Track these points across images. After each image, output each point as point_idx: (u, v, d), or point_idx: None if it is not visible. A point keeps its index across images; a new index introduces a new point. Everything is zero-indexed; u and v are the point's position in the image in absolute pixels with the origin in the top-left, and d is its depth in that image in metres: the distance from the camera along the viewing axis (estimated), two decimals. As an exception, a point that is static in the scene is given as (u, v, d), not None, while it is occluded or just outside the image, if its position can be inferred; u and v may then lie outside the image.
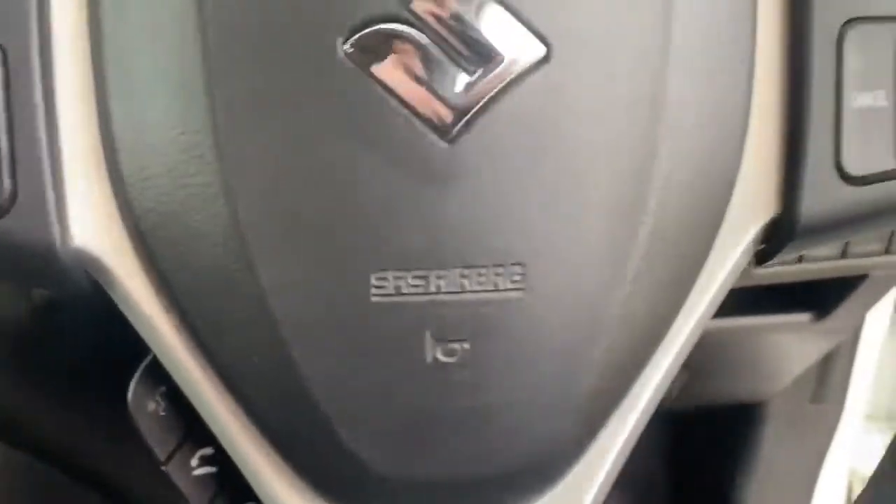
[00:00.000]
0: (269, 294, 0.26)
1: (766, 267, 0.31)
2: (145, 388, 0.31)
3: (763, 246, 0.31)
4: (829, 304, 0.63)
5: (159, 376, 0.31)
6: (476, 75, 0.25)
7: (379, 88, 0.25)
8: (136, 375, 0.31)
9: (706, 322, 0.31)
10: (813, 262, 0.56)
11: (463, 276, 0.26)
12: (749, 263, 0.31)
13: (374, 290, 0.26)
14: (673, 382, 0.75)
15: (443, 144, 0.25)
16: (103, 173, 0.27)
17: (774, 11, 0.29)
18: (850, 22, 0.28)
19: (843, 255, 0.56)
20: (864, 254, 0.56)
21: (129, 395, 0.31)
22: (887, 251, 0.55)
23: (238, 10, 0.25)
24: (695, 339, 0.31)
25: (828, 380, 0.77)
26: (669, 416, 0.87)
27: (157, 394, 0.32)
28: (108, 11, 0.26)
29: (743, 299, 0.61)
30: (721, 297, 0.31)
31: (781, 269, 0.56)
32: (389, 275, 0.26)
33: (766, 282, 0.58)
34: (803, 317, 0.64)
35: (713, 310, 0.31)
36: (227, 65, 0.25)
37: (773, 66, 0.29)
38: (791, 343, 0.69)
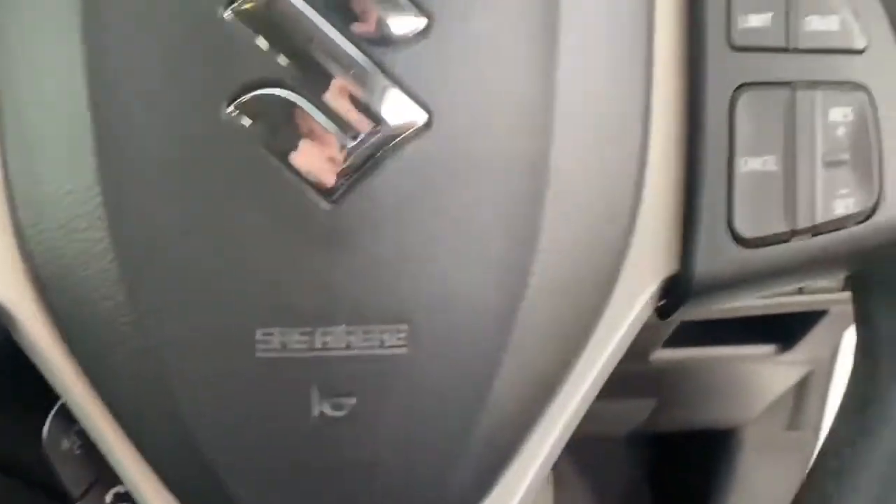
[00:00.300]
0: (158, 348, 0.27)
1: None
2: (60, 427, 0.32)
3: (663, 302, 0.31)
4: (792, 337, 0.64)
5: (73, 415, 0.32)
6: (359, 139, 0.26)
7: (263, 151, 0.26)
8: (51, 414, 0.32)
9: (608, 372, 0.31)
10: (772, 296, 0.57)
11: (349, 333, 0.27)
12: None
13: (259, 346, 0.26)
14: (638, 410, 0.76)
15: (327, 206, 0.26)
16: (7, 221, 0.27)
17: (671, 73, 0.29)
18: (742, 87, 0.29)
19: (801, 290, 0.57)
20: (822, 290, 0.57)
21: (45, 433, 0.32)
22: (844, 288, 0.56)
23: (125, 71, 0.26)
24: (597, 389, 0.31)
25: (803, 407, 0.77)
26: (648, 440, 0.88)
27: (71, 432, 0.32)
28: (5, 64, 0.26)
29: (709, 329, 0.61)
30: (622, 351, 0.31)
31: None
32: (275, 331, 0.26)
33: (727, 315, 0.59)
34: (767, 349, 0.64)
35: (614, 362, 0.31)
36: (116, 125, 0.26)
37: (671, 127, 0.29)
38: (760, 372, 0.70)
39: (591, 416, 0.75)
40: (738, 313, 0.59)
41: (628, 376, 0.68)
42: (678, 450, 0.86)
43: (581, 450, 0.91)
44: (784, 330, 0.63)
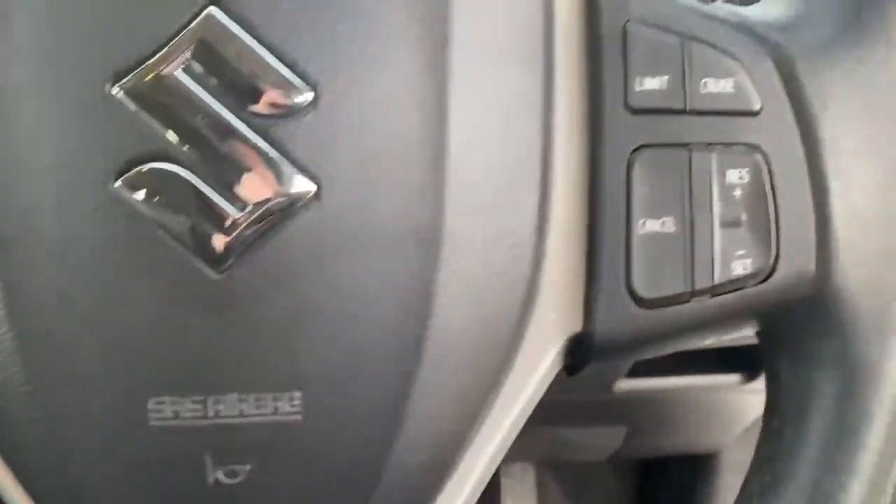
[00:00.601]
0: (53, 418, 0.27)
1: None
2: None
3: (570, 360, 0.31)
4: (758, 366, 0.63)
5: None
6: (247, 211, 0.26)
7: (151, 222, 0.26)
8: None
9: (517, 430, 0.31)
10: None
11: (241, 401, 0.27)
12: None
13: (152, 415, 0.27)
14: (611, 438, 0.76)
15: (216, 276, 0.26)
16: None
17: (574, 135, 0.29)
18: (640, 149, 0.29)
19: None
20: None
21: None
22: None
23: (13, 147, 0.26)
24: (505, 449, 0.31)
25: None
26: (632, 462, 0.88)
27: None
28: None
29: (673, 358, 0.61)
30: (531, 408, 0.31)
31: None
32: (167, 399, 0.27)
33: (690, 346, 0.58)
34: (732, 378, 0.64)
35: (523, 418, 0.31)
36: (3, 203, 0.26)
37: (574, 189, 0.29)
38: (729, 400, 0.70)
39: (564, 444, 0.75)
40: (700, 345, 0.59)
41: (595, 405, 0.68)
42: (662, 471, 0.85)
43: (564, 472, 0.91)
44: (748, 360, 0.63)
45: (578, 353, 0.31)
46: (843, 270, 0.30)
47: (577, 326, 0.30)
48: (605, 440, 0.74)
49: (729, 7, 0.31)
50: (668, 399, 0.69)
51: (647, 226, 0.29)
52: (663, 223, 0.29)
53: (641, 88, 0.29)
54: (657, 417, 0.71)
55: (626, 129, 0.29)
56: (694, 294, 0.29)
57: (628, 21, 0.29)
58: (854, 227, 0.30)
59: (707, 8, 0.31)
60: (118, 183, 0.26)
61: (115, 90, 0.26)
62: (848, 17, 0.30)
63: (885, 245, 0.30)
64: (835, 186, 0.29)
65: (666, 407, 0.70)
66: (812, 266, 0.30)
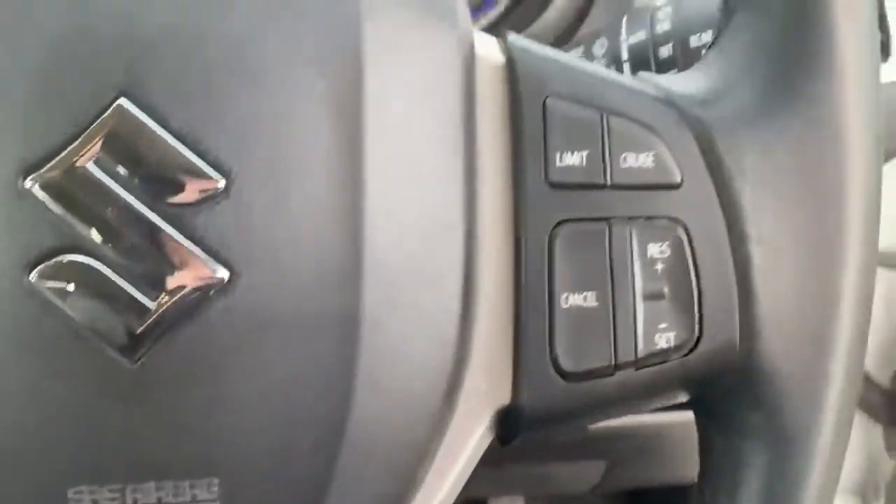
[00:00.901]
0: None
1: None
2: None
3: (501, 431, 0.31)
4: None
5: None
6: (159, 300, 0.26)
7: (65, 315, 0.26)
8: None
9: (452, 500, 0.31)
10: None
11: (158, 489, 0.27)
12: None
13: None
14: (590, 471, 0.75)
15: (130, 365, 0.26)
16: None
17: (499, 210, 0.30)
18: (561, 224, 0.29)
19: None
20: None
21: None
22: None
23: None
24: None
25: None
26: (617, 494, 0.87)
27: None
28: None
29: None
30: (464, 478, 0.31)
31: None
32: (85, 489, 0.27)
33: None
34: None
35: (458, 488, 0.31)
36: None
37: (501, 264, 0.30)
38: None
39: (546, 479, 0.75)
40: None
41: (569, 441, 0.68)
42: (648, 500, 0.85)
43: (553, 501, 0.91)
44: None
45: (508, 424, 0.31)
46: (768, 342, 0.30)
47: (506, 399, 0.30)
48: (584, 474, 0.74)
49: (650, 78, 0.31)
50: (646, 433, 0.69)
51: (569, 300, 0.29)
52: (585, 297, 0.29)
53: (561, 164, 0.29)
54: (636, 451, 0.71)
55: (546, 204, 0.29)
56: (618, 367, 0.29)
57: (548, 96, 0.29)
58: (777, 298, 0.30)
59: (627, 80, 0.31)
60: (32, 275, 0.26)
61: (28, 183, 0.26)
62: (766, 91, 0.30)
63: (810, 316, 0.30)
64: (757, 259, 0.29)
65: (645, 440, 0.70)
66: (736, 338, 0.30)
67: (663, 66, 0.42)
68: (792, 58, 0.29)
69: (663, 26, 0.42)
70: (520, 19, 0.63)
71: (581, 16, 0.58)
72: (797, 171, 0.29)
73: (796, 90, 0.29)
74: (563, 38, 0.58)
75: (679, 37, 0.42)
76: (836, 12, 0.29)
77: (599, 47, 0.44)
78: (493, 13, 0.65)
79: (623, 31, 0.44)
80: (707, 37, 0.41)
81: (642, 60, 0.43)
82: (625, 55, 0.43)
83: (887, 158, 0.64)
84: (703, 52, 0.41)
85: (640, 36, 0.43)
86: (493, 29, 0.65)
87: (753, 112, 0.30)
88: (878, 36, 0.30)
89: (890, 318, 1.05)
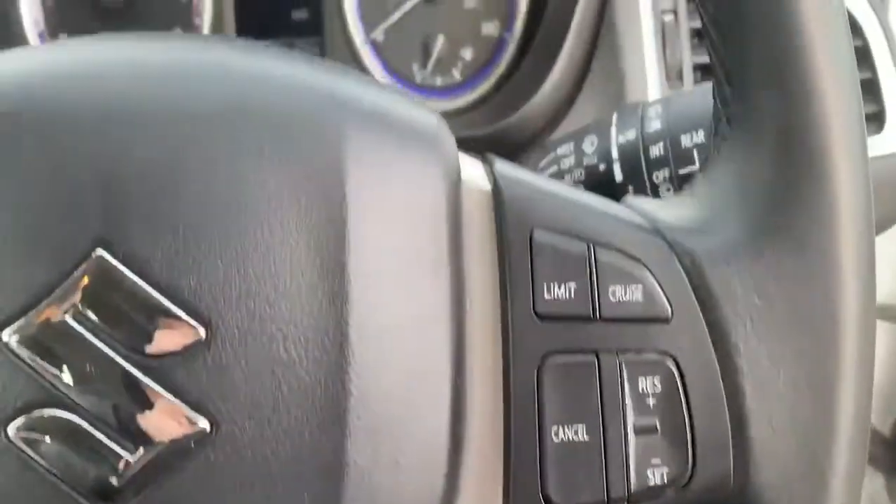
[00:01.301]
0: None
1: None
2: None
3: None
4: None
5: None
6: (139, 453, 0.26)
7: (44, 470, 0.26)
8: None
9: None
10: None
11: None
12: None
13: None
14: None
15: None
16: None
17: (488, 342, 0.29)
18: (548, 356, 0.29)
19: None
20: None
21: None
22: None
23: None
24: None
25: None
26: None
27: None
28: None
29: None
30: None
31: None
32: None
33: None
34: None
35: None
36: None
37: (490, 397, 0.29)
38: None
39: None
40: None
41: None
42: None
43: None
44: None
45: None
46: (764, 476, 0.29)
47: None
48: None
49: (638, 204, 0.31)
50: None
51: (559, 434, 0.29)
52: (576, 431, 0.29)
53: (549, 295, 0.29)
54: None
55: (534, 336, 0.29)
56: (610, 502, 0.29)
57: (534, 228, 0.29)
58: (771, 428, 0.29)
59: (614, 209, 0.30)
60: (10, 429, 0.26)
61: (5, 337, 0.26)
62: (757, 225, 0.29)
63: (805, 450, 0.29)
64: (749, 390, 0.29)
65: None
66: (730, 470, 0.29)
67: (654, 165, 0.42)
68: (784, 193, 0.29)
69: (654, 125, 0.42)
70: (510, 95, 0.63)
71: (570, 100, 0.58)
72: (789, 305, 0.29)
73: (790, 227, 0.29)
74: (551, 124, 0.58)
75: (670, 136, 0.41)
76: (829, 146, 0.29)
77: (589, 145, 0.44)
78: (482, 87, 0.65)
79: (613, 129, 0.43)
80: (698, 137, 0.40)
81: (633, 159, 0.42)
82: (615, 154, 0.43)
83: (887, 226, 0.64)
84: (695, 152, 0.41)
85: (630, 135, 0.42)
86: (482, 104, 0.64)
87: (745, 245, 0.29)
88: (870, 181, 0.29)
89: (891, 367, 1.04)
